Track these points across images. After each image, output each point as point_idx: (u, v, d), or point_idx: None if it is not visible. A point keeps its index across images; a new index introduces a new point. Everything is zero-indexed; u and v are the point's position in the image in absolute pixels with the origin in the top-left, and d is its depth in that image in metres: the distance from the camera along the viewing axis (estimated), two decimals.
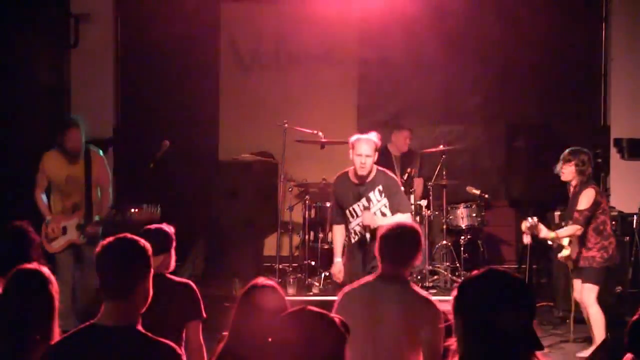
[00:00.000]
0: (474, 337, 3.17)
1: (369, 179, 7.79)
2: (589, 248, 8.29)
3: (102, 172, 8.72)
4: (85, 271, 8.39)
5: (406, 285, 5.31)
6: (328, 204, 9.51)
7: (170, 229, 5.88)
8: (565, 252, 8.43)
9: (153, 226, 5.88)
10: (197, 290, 5.72)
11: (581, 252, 8.31)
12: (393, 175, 8.16)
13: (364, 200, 7.80)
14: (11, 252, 5.56)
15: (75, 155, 8.57)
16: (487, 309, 3.13)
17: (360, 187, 7.81)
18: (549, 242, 8.64)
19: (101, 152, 8.83)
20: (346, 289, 5.52)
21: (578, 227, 8.17)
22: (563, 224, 8.73)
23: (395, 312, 5.13)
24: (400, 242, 5.34)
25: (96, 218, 8.58)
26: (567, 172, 8.35)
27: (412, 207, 10.36)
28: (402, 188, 8.31)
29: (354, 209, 7.86)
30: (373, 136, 7.92)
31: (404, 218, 7.65)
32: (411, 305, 5.19)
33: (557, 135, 11.93)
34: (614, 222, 9.13)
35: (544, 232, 8.23)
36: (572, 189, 8.40)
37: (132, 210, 9.06)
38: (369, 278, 5.50)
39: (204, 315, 5.61)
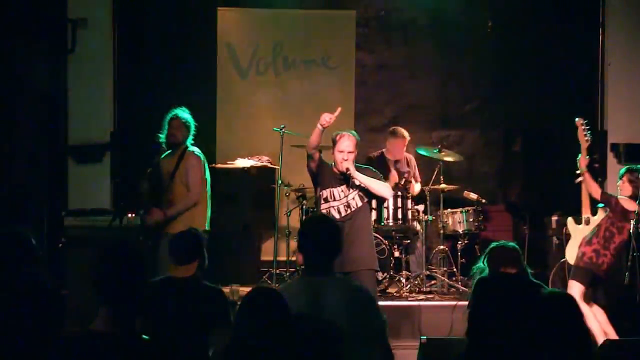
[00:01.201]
0: None
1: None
2: (590, 243, 8.41)
3: (190, 171, 8.88)
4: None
5: (337, 276, 5.29)
6: None
7: (199, 230, 5.95)
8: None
9: (181, 232, 5.92)
10: (226, 297, 5.77)
11: (580, 246, 8.44)
12: (370, 167, 8.37)
13: (344, 187, 8.01)
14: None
15: (175, 147, 8.94)
16: None
17: (342, 177, 8.03)
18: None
19: (198, 152, 9.01)
20: (282, 286, 5.54)
21: (600, 192, 8.51)
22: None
23: (336, 303, 5.01)
24: (327, 231, 5.28)
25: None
26: (625, 188, 8.56)
27: (410, 212, 10.39)
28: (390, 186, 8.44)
29: (332, 192, 8.04)
30: (353, 132, 8.14)
31: (384, 184, 8.16)
32: (352, 294, 5.15)
33: (554, 140, 11.95)
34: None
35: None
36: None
37: (130, 215, 9.10)
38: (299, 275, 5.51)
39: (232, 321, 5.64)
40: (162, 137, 9.05)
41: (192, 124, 9.09)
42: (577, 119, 8.82)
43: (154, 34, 11.86)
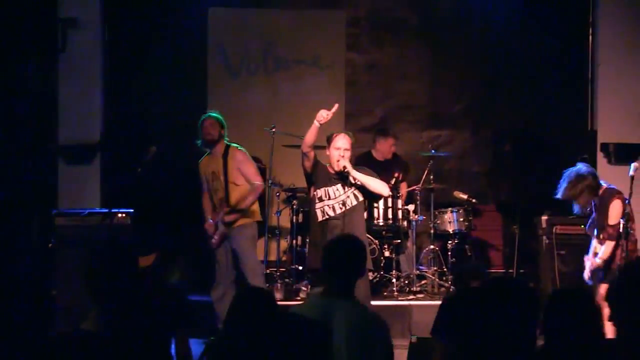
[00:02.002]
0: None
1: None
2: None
3: (243, 165, 9.07)
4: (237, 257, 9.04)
5: (355, 301, 5.12)
6: None
7: (158, 227, 5.94)
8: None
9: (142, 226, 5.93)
10: (187, 296, 5.75)
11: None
12: (364, 167, 8.49)
13: (339, 186, 8.11)
14: None
15: (211, 146, 9.14)
16: None
17: (338, 176, 8.14)
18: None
19: (241, 148, 9.19)
20: (297, 306, 5.42)
21: (611, 243, 8.14)
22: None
23: (345, 331, 4.92)
24: (347, 254, 5.12)
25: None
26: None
27: (400, 212, 10.41)
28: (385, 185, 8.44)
29: (327, 190, 8.12)
30: (348, 132, 8.34)
31: (380, 182, 8.23)
32: (362, 323, 5.04)
33: (544, 140, 11.98)
34: None
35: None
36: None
37: (120, 215, 9.10)
38: (314, 294, 5.41)
39: (193, 322, 5.63)
40: (199, 141, 9.23)
41: (224, 122, 9.29)
42: None
43: (144, 34, 11.85)
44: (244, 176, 9.04)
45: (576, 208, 8.34)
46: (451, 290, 10.17)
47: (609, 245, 8.16)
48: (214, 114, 9.26)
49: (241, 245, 9.01)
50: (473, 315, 3.22)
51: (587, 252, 8.40)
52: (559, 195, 8.32)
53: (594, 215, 8.41)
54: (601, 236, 8.23)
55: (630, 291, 3.69)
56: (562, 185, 8.28)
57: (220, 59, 12.13)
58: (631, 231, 8.32)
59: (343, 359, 4.86)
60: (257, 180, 9.09)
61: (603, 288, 8.45)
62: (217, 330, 4.88)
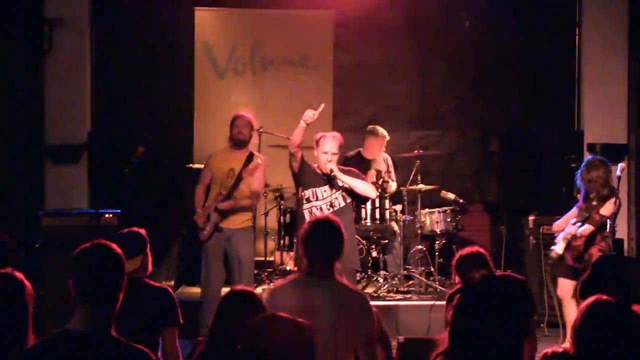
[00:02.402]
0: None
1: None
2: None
3: (257, 174, 9.06)
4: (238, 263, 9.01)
5: (336, 280, 5.19)
6: None
7: (141, 230, 5.89)
8: (559, 249, 8.68)
9: (125, 230, 5.89)
10: (174, 295, 5.72)
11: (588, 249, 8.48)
12: (352, 169, 8.47)
13: (327, 187, 8.14)
14: None
15: (241, 145, 9.11)
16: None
17: (325, 177, 8.15)
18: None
19: (263, 159, 9.15)
20: (274, 286, 5.50)
21: (591, 228, 8.45)
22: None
23: (328, 305, 5.00)
24: (327, 236, 5.22)
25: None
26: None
27: (388, 212, 10.40)
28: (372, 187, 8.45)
29: (315, 191, 8.11)
30: (336, 134, 8.27)
31: (368, 184, 8.32)
32: (344, 297, 5.12)
33: (532, 140, 12.00)
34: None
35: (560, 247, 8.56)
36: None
37: (107, 215, 9.07)
38: (295, 275, 5.47)
39: (181, 321, 5.61)
40: (232, 139, 9.23)
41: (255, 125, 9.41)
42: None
43: (131, 34, 11.84)
44: (250, 183, 9.05)
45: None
46: (438, 290, 10.17)
47: (589, 228, 8.41)
48: (247, 115, 9.26)
49: (245, 249, 9.01)
50: (467, 315, 3.22)
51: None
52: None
53: (579, 203, 8.68)
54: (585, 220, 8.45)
55: (601, 289, 3.68)
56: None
57: (207, 59, 12.11)
58: (615, 229, 8.50)
59: (328, 335, 4.88)
60: (259, 193, 9.28)
61: (566, 282, 8.58)
62: (207, 331, 4.85)
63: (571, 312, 8.46)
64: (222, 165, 9.12)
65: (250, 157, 8.99)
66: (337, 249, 5.21)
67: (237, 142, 9.14)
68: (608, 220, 8.46)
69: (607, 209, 8.49)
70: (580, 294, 4.08)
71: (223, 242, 9.03)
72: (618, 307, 3.66)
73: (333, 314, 4.98)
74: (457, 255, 6.01)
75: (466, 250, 6.03)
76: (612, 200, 8.50)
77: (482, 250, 6.06)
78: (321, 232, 5.23)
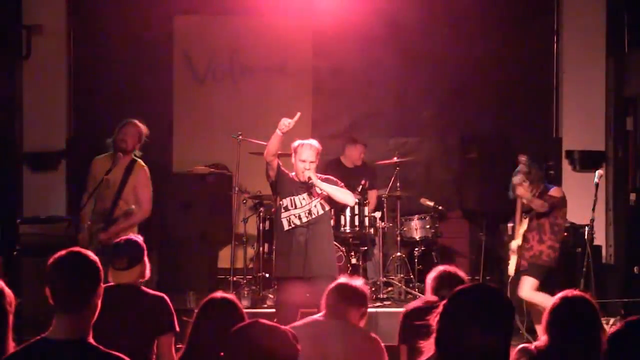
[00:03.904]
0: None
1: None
2: (542, 241, 8.55)
3: (140, 184, 8.55)
4: None
5: (351, 324, 5.20)
6: None
7: (139, 238, 5.88)
8: (517, 242, 8.84)
9: (123, 238, 5.86)
10: (170, 303, 5.71)
11: (532, 247, 8.54)
12: (330, 177, 8.37)
13: (305, 195, 8.04)
14: None
15: (122, 153, 8.45)
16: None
17: (303, 186, 8.06)
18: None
19: (145, 167, 8.63)
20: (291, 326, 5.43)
21: (545, 204, 8.56)
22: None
23: (340, 351, 5.00)
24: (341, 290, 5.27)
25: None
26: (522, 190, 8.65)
27: (367, 219, 10.40)
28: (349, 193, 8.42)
29: (293, 200, 8.04)
30: (314, 142, 8.14)
31: (346, 192, 8.16)
32: (356, 343, 5.10)
33: (510, 147, 12.01)
34: (566, 234, 9.29)
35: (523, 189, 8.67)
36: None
37: (89, 223, 8.97)
38: (314, 317, 5.44)
39: (177, 329, 5.59)
40: (110, 140, 8.63)
41: (144, 138, 8.72)
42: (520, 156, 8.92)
43: (109, 41, 11.79)
44: (136, 197, 8.54)
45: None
46: (417, 297, 10.17)
47: (539, 202, 8.59)
48: (134, 123, 8.66)
49: None
50: (446, 325, 3.21)
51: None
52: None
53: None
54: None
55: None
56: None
57: (186, 66, 12.09)
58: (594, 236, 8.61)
59: None
60: (148, 207, 8.63)
61: (528, 282, 8.64)
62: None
63: (540, 300, 8.44)
64: (100, 172, 8.54)
65: (131, 166, 8.58)
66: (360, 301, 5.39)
67: (118, 149, 8.53)
68: (557, 207, 8.55)
69: (554, 191, 8.62)
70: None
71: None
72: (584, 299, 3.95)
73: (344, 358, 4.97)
74: (434, 274, 6.00)
75: (442, 270, 6.02)
76: (555, 187, 8.68)
77: (457, 271, 6.03)
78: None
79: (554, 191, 8.70)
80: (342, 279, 5.53)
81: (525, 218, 8.86)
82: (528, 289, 8.64)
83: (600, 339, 3.95)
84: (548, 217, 8.65)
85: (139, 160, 8.68)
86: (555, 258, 8.72)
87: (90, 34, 11.71)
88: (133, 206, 8.47)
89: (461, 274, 5.98)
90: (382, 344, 5.31)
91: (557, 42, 11.76)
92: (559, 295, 4.26)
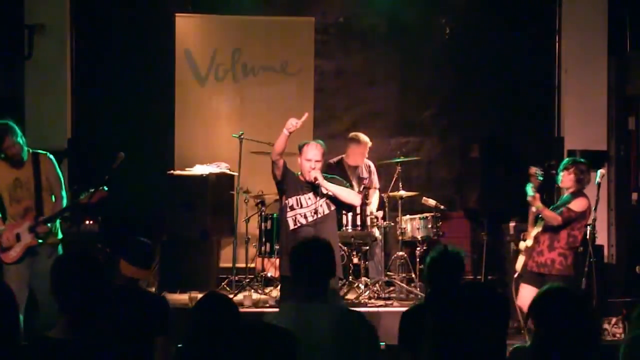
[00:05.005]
0: None
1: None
2: (553, 248, 8.45)
3: (52, 174, 8.28)
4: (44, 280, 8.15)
5: (332, 304, 5.14)
6: None
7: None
8: (527, 243, 8.77)
9: (143, 240, 5.84)
10: (168, 304, 5.72)
11: (542, 251, 8.47)
12: (336, 176, 8.46)
13: (311, 194, 8.11)
14: None
15: (18, 160, 8.11)
16: None
17: (309, 185, 8.11)
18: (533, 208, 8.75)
19: (50, 155, 8.37)
20: (272, 316, 5.31)
21: (557, 218, 8.41)
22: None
23: (329, 334, 4.86)
24: (315, 256, 5.03)
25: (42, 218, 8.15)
26: (566, 179, 8.50)
27: (369, 218, 10.40)
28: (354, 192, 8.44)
29: (299, 199, 8.10)
30: (320, 141, 8.26)
31: (352, 192, 8.30)
32: (346, 325, 4.99)
33: (512, 147, 12.02)
34: (581, 248, 9.18)
35: (537, 199, 8.53)
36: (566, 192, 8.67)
37: (87, 222, 8.98)
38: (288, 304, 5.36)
39: (171, 331, 5.59)
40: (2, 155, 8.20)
41: (17, 132, 8.17)
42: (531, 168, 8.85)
43: (111, 40, 11.80)
44: (49, 186, 8.24)
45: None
46: (419, 296, 10.17)
47: (550, 215, 8.45)
48: (6, 130, 8.11)
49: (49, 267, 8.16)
50: (443, 324, 3.21)
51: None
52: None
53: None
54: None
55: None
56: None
57: (188, 65, 12.08)
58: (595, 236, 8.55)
59: None
60: (63, 193, 8.34)
61: (526, 290, 8.58)
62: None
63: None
64: (6, 177, 8.17)
65: (36, 160, 8.22)
66: (329, 270, 5.04)
67: (12, 159, 8.14)
68: (574, 221, 8.45)
69: (577, 204, 8.47)
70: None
71: (30, 262, 8.12)
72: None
73: (335, 341, 4.83)
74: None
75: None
76: (581, 198, 8.52)
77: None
78: (311, 253, 5.03)
79: (576, 204, 8.46)
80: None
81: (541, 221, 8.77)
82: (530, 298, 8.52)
83: (591, 325, 3.88)
84: (565, 227, 8.53)
85: (39, 151, 8.36)
86: (568, 265, 8.56)
87: (92, 33, 11.71)
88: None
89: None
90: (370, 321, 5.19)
91: (558, 42, 11.75)
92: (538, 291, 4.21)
